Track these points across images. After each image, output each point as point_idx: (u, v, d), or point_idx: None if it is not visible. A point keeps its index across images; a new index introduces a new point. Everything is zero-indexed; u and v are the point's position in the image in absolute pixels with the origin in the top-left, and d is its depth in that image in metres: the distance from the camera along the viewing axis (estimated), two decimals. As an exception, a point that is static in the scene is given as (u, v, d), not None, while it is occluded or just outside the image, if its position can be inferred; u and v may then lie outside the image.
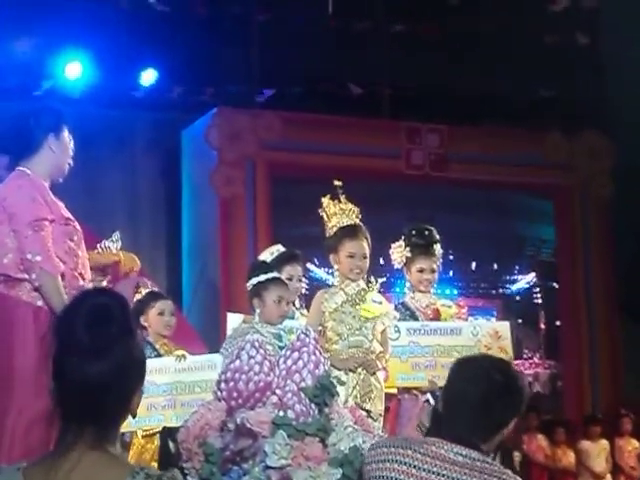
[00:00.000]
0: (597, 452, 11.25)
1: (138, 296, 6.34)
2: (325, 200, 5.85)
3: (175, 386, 5.53)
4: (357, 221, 5.79)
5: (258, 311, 5.29)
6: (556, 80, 11.81)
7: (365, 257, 5.69)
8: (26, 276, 4.48)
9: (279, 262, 5.68)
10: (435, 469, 2.94)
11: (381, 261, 7.01)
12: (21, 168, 4.68)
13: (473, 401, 3.05)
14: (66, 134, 4.80)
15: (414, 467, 2.95)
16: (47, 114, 4.83)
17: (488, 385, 3.07)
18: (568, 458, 11.32)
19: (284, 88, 11.25)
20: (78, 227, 4.75)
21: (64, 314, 2.30)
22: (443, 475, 2.93)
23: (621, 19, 10.69)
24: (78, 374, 2.24)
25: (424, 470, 2.94)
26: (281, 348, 4.88)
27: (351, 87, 11.47)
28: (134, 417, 2.39)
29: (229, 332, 5.57)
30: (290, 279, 5.62)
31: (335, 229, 5.75)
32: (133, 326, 2.36)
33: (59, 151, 4.77)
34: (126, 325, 2.31)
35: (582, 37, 11.43)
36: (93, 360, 2.24)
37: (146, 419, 5.40)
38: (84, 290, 2.36)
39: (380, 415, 5.55)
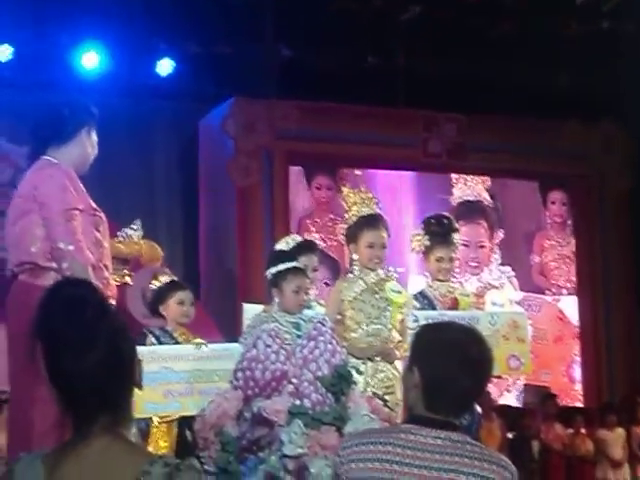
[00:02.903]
0: (614, 440, 11.27)
1: (155, 284, 6.35)
2: (345, 189, 5.86)
3: (194, 374, 5.53)
4: (377, 210, 5.79)
5: (277, 300, 5.28)
6: (575, 70, 11.75)
7: (384, 247, 5.69)
8: (53, 265, 4.48)
9: (294, 252, 5.67)
10: (417, 462, 2.81)
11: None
12: (48, 157, 4.68)
13: (456, 381, 2.90)
14: (95, 133, 4.83)
15: (395, 463, 2.83)
16: (84, 108, 4.86)
17: (467, 361, 2.92)
18: (586, 446, 11.31)
19: (301, 76, 11.21)
20: (104, 218, 4.77)
21: (41, 315, 2.29)
22: (425, 467, 2.81)
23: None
24: (72, 370, 2.24)
25: (406, 465, 2.82)
26: (299, 337, 4.89)
27: (369, 59, 11.41)
28: (140, 389, 2.40)
29: (245, 322, 5.57)
30: (305, 269, 5.62)
31: (355, 218, 5.75)
32: (107, 305, 2.35)
33: (88, 146, 4.79)
34: (101, 306, 2.31)
35: (602, 26, 11.34)
36: (84, 353, 2.24)
37: (163, 405, 5.40)
38: (48, 289, 2.34)
39: (397, 405, 5.55)
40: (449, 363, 2.93)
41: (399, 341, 5.63)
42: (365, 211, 5.73)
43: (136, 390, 2.83)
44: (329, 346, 4.29)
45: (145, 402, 5.25)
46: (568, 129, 12.44)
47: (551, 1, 11.03)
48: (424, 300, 5.91)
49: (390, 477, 2.82)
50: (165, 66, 11.02)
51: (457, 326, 3.14)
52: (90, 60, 10.63)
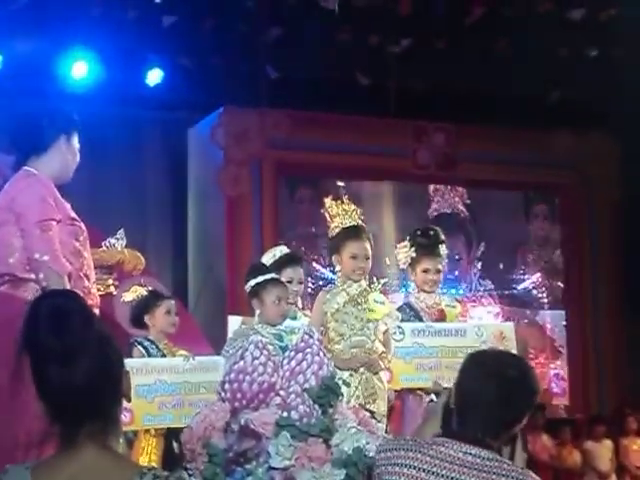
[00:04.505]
0: (602, 452, 11.28)
1: (131, 295, 6.34)
2: (328, 201, 5.86)
3: (183, 386, 5.56)
4: (360, 222, 5.80)
5: (258, 312, 5.29)
6: (565, 80, 11.79)
7: (367, 258, 5.69)
8: (32, 276, 4.47)
9: (280, 264, 5.68)
10: (443, 472, 2.90)
11: (387, 262, 7.06)
12: (27, 167, 4.68)
13: (487, 398, 3.00)
14: (76, 139, 4.81)
15: (423, 470, 2.92)
16: (61, 116, 4.83)
17: (503, 381, 3.01)
18: (573, 458, 11.32)
19: (291, 86, 11.22)
20: (83, 227, 4.76)
21: (27, 327, 2.28)
22: (450, 477, 2.89)
23: (635, 23, 10.67)
24: (60, 381, 2.24)
25: (432, 473, 2.91)
26: (282, 348, 4.89)
27: (359, 77, 11.41)
28: (129, 401, 2.39)
29: (230, 334, 5.58)
30: (290, 281, 5.62)
31: (337, 230, 5.76)
32: (92, 314, 2.35)
33: (68, 154, 4.77)
34: (87, 315, 2.31)
35: (595, 45, 11.41)
36: (73, 363, 2.23)
37: (158, 417, 5.43)
38: (33, 301, 2.33)
39: (383, 416, 5.55)
40: (479, 378, 3.04)
41: (382, 352, 5.63)
42: (348, 222, 5.74)
43: (134, 403, 2.79)
44: (316, 358, 4.27)
45: (143, 414, 5.29)
46: (559, 140, 12.48)
47: (543, 20, 11.07)
48: (410, 311, 5.91)
49: None
50: (155, 76, 11.03)
51: (505, 353, 3.22)
52: (80, 69, 10.65)
